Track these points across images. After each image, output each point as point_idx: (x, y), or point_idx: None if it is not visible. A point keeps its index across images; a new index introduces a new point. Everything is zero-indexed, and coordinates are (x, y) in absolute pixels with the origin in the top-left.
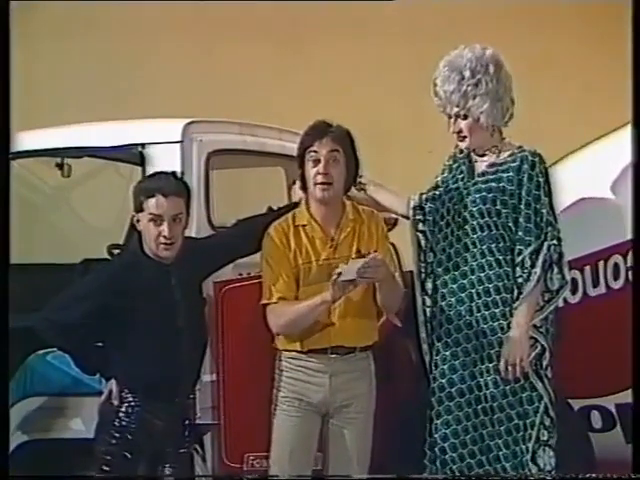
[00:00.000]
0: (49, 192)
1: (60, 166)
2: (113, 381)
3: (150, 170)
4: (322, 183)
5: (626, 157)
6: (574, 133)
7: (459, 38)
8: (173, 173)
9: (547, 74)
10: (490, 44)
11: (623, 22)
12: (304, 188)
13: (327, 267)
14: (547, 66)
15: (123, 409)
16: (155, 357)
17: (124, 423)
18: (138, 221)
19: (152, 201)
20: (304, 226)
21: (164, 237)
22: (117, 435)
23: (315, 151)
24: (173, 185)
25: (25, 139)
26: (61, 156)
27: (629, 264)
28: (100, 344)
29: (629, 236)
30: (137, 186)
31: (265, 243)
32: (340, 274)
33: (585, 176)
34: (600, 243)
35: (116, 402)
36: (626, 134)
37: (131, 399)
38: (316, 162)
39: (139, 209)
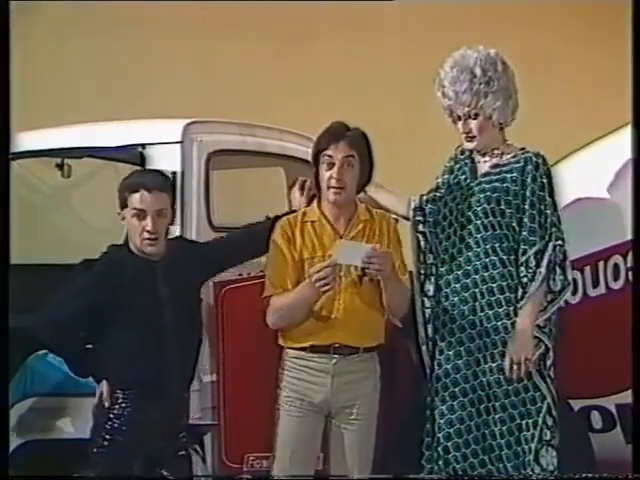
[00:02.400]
0: (49, 192)
1: (60, 166)
2: (104, 382)
3: None
4: (335, 187)
5: (626, 157)
6: (574, 133)
7: (460, 39)
8: (158, 170)
9: (547, 75)
10: (491, 44)
11: (624, 22)
12: (317, 187)
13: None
14: (547, 67)
15: (115, 410)
16: (142, 355)
17: (116, 425)
18: (124, 218)
19: (136, 196)
20: (313, 222)
21: (148, 232)
22: (108, 437)
23: (330, 155)
24: (157, 180)
25: (25, 139)
26: (61, 156)
27: (629, 264)
28: (91, 346)
29: (629, 236)
30: (122, 182)
31: (271, 237)
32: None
33: (585, 176)
34: (600, 243)
35: (107, 403)
36: (626, 134)
37: (121, 399)
38: (330, 166)
39: (124, 205)
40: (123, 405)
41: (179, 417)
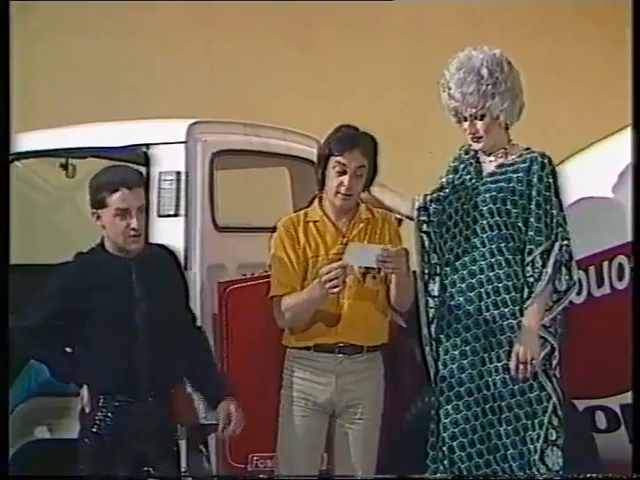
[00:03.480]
0: (53, 192)
1: (65, 166)
2: (84, 387)
3: (154, 170)
4: (344, 194)
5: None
6: (579, 133)
7: (463, 40)
8: (128, 166)
9: (550, 75)
10: (493, 45)
11: (627, 23)
12: (321, 187)
13: (334, 263)
14: (549, 67)
15: (98, 415)
16: (119, 356)
17: (100, 429)
18: (98, 217)
19: (117, 195)
20: (315, 222)
21: (133, 230)
22: (93, 441)
23: (343, 163)
24: (134, 177)
25: (30, 139)
26: (66, 156)
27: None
28: (69, 350)
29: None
30: (95, 182)
31: (274, 237)
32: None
33: (589, 176)
34: (604, 243)
35: (87, 409)
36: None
37: (102, 403)
38: (342, 173)
39: (101, 205)
40: (104, 408)
41: (167, 418)
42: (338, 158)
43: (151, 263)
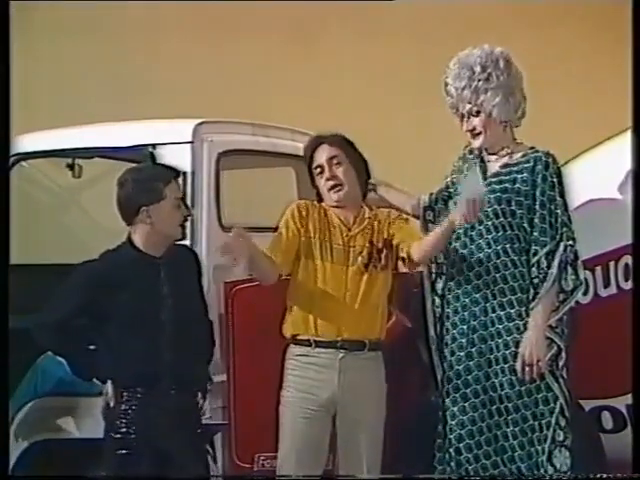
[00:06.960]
0: (60, 193)
1: (71, 167)
2: (108, 383)
3: None
4: (332, 186)
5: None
6: (584, 134)
7: (466, 40)
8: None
9: (552, 75)
10: (496, 45)
11: (627, 23)
12: (320, 199)
13: (338, 252)
14: (552, 67)
15: (122, 409)
16: (143, 351)
17: (124, 423)
18: (149, 216)
19: (172, 185)
20: (327, 210)
21: (186, 217)
22: (119, 436)
23: (318, 164)
24: (173, 168)
25: (36, 139)
26: (72, 157)
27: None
28: (92, 347)
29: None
30: (142, 177)
31: (285, 215)
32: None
33: (596, 176)
34: (611, 243)
35: (112, 403)
36: None
37: (126, 398)
38: (321, 172)
39: (158, 198)
40: (129, 402)
41: (190, 413)
42: (312, 162)
43: (178, 262)
